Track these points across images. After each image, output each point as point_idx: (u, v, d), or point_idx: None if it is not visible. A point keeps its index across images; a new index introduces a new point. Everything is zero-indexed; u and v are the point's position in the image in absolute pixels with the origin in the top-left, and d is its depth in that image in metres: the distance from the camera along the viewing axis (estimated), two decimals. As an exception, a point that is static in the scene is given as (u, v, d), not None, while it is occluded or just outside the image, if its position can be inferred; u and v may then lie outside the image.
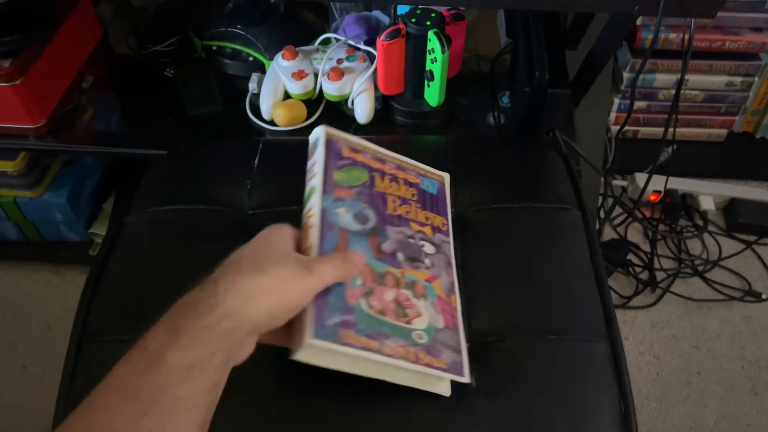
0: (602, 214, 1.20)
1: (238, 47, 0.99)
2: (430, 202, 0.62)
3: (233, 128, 0.93)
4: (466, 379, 0.53)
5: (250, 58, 0.98)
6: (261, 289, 0.43)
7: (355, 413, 0.55)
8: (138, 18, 1.12)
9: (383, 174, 0.60)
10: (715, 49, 1.19)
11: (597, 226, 1.17)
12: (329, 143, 0.58)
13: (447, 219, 0.63)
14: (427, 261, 0.57)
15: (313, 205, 0.54)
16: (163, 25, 1.07)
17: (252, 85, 0.94)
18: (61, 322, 1.15)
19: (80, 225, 1.12)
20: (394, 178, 0.60)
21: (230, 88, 0.99)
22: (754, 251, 1.24)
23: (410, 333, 0.51)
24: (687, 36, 1.11)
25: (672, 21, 1.17)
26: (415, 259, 0.56)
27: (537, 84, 0.80)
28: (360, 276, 0.51)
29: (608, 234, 1.26)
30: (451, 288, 0.58)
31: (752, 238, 1.25)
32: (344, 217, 0.54)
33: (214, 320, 0.40)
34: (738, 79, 1.24)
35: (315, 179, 0.55)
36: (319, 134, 0.59)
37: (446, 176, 0.67)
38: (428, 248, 0.58)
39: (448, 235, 0.62)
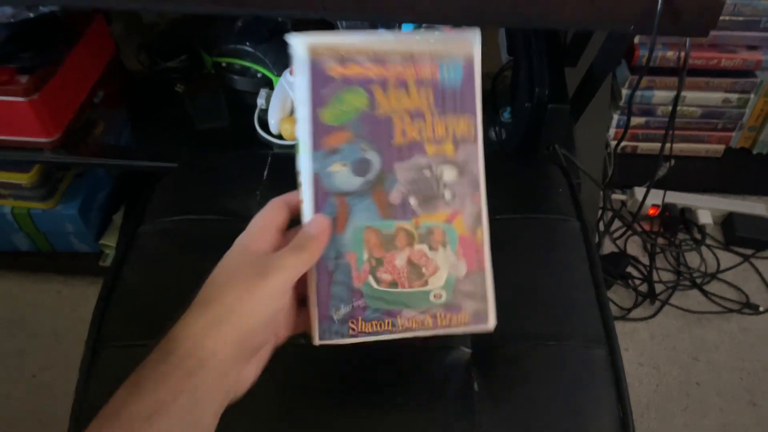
0: (602, 227, 1.22)
1: (246, 64, 1.02)
2: (452, 99, 0.48)
3: (242, 142, 0.96)
4: (490, 326, 0.50)
5: (258, 75, 1.01)
6: (211, 321, 0.40)
7: (358, 416, 0.57)
8: (148, 35, 1.15)
9: (386, 84, 0.47)
10: (712, 67, 1.22)
11: (597, 239, 1.19)
12: (314, 65, 0.45)
13: (475, 115, 0.49)
14: (447, 194, 0.48)
15: (301, 169, 0.46)
16: (173, 42, 1.10)
17: (260, 101, 0.97)
18: (69, 332, 1.17)
19: (90, 236, 1.14)
20: (402, 83, 0.47)
21: (239, 103, 1.01)
22: (752, 264, 1.26)
23: (428, 295, 0.48)
24: (683, 54, 1.14)
25: (669, 39, 1.20)
26: (431, 197, 0.48)
27: (537, 100, 0.82)
28: (366, 247, 0.47)
29: (608, 247, 1.28)
30: (476, 219, 0.49)
31: (750, 251, 1.27)
32: (340, 175, 0.46)
33: (172, 365, 0.38)
34: (734, 96, 1.26)
35: (301, 126, 0.46)
36: (299, 53, 0.45)
37: (474, 38, 0.48)
38: (449, 175, 0.48)
39: (475, 142, 0.49)
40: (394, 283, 0.48)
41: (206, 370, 0.39)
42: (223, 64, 1.03)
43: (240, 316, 0.41)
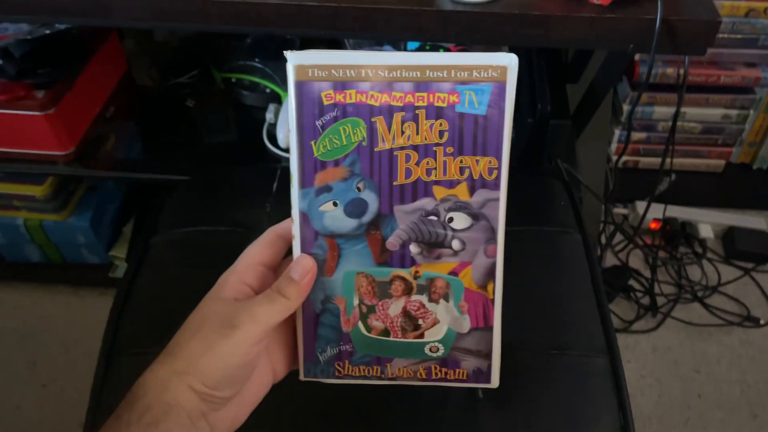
0: (604, 240, 1.24)
1: (255, 80, 1.04)
2: (472, 135, 0.41)
3: (251, 156, 0.98)
4: (492, 385, 0.46)
5: (267, 90, 1.04)
6: (172, 373, 0.39)
7: (361, 423, 0.58)
8: (160, 52, 1.18)
9: (391, 112, 0.40)
10: (711, 84, 1.24)
11: (598, 252, 1.21)
12: (302, 89, 0.40)
13: (500, 155, 0.41)
14: (456, 243, 0.43)
15: (291, 203, 0.43)
16: (184, 59, 1.12)
17: (269, 116, 0.99)
18: (79, 343, 1.18)
19: (101, 248, 1.16)
20: (410, 113, 0.40)
21: (248, 118, 1.04)
22: (752, 278, 1.27)
23: (422, 348, 0.45)
24: (682, 71, 1.16)
25: (669, 57, 1.22)
26: (436, 245, 0.43)
27: (539, 115, 0.85)
28: (357, 294, 0.44)
29: (610, 260, 1.30)
30: (488, 273, 0.44)
31: (750, 265, 1.29)
32: (331, 215, 0.42)
33: (134, 416, 0.38)
34: (734, 112, 1.28)
35: (291, 157, 0.41)
36: (288, 74, 0.40)
37: (510, 62, 0.39)
38: (459, 222, 0.43)
39: (497, 187, 0.42)
40: (386, 332, 0.44)
41: (171, 420, 0.38)
42: (233, 80, 1.06)
43: (201, 371, 0.39)
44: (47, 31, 0.93)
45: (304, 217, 0.42)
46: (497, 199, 0.42)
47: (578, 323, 0.67)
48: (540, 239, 0.75)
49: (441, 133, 0.41)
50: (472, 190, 0.42)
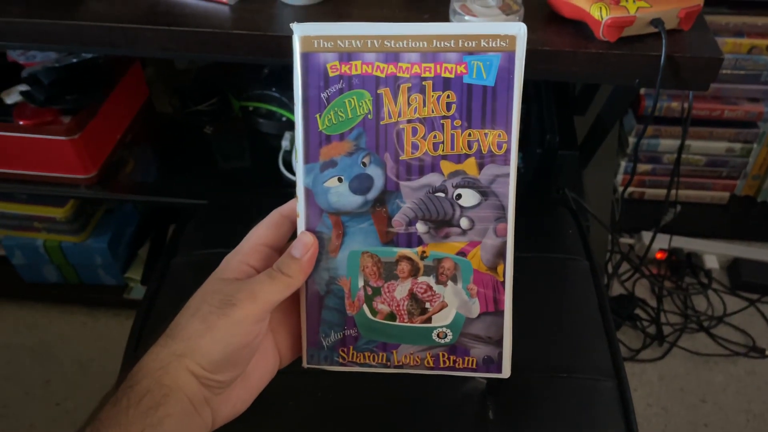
0: (610, 270, 1.26)
1: (272, 108, 1.07)
2: (480, 106, 0.39)
3: (267, 181, 1.01)
4: (504, 374, 0.45)
5: (284, 119, 1.07)
6: (172, 355, 0.38)
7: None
8: (180, 80, 1.21)
9: (397, 84, 0.39)
10: (715, 118, 1.26)
11: (605, 281, 1.23)
12: (307, 61, 0.39)
13: (509, 127, 0.40)
14: (464, 221, 0.41)
15: (297, 181, 0.42)
16: (203, 87, 1.16)
17: (285, 143, 1.02)
18: (93, 362, 1.20)
19: (117, 269, 1.19)
20: (417, 85, 0.39)
21: (264, 145, 1.07)
22: (758, 309, 1.28)
23: (430, 333, 0.43)
24: (686, 105, 1.19)
25: (673, 91, 1.25)
26: (444, 223, 0.42)
27: (548, 146, 0.87)
28: (362, 274, 0.42)
29: (616, 289, 1.31)
30: (499, 253, 0.42)
31: (755, 296, 1.30)
32: (336, 191, 0.41)
33: (133, 400, 0.36)
34: (738, 146, 1.31)
35: (295, 132, 0.41)
36: (294, 44, 0.39)
37: (519, 30, 0.38)
38: (468, 199, 0.41)
39: (506, 162, 0.40)
40: (392, 316, 0.43)
41: (171, 404, 0.37)
42: (250, 108, 1.09)
43: (200, 352, 0.38)
44: (74, 60, 0.97)
45: (309, 194, 0.41)
46: (507, 175, 0.40)
47: (586, 347, 0.68)
48: (548, 265, 0.77)
49: (448, 105, 0.39)
50: (480, 166, 0.40)
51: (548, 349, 0.67)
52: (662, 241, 1.27)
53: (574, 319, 0.71)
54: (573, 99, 1.05)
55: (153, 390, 0.37)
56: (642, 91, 1.27)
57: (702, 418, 1.12)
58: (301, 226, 0.42)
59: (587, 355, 0.67)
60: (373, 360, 0.44)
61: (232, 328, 0.38)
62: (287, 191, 0.89)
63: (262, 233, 0.44)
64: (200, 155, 1.07)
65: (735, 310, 1.28)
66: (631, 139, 1.31)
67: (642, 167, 1.35)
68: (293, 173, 0.98)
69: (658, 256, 1.34)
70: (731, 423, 1.12)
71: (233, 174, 1.04)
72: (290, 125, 1.06)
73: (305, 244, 0.41)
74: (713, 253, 1.34)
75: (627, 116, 1.33)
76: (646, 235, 1.33)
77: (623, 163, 1.36)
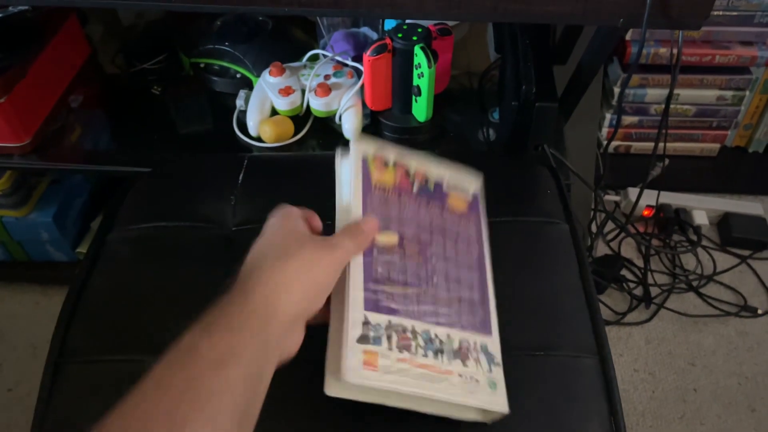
0: (594, 229, 1.19)
1: (225, 64, 0.98)
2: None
3: (220, 145, 0.93)
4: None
5: (238, 75, 0.98)
6: (289, 276, 0.44)
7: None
8: (127, 37, 1.12)
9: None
10: (706, 63, 1.19)
11: (589, 241, 1.17)
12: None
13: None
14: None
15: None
16: (150, 43, 1.06)
17: (239, 102, 0.94)
18: (47, 344, 1.12)
19: (67, 245, 1.11)
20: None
21: (217, 105, 0.98)
22: (749, 266, 1.23)
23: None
24: (675, 50, 1.11)
25: (661, 35, 1.17)
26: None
27: (524, 98, 0.79)
28: None
29: (601, 249, 1.25)
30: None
31: (746, 252, 1.24)
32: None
33: (245, 314, 0.41)
34: (729, 93, 1.24)
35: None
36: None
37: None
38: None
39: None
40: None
41: (275, 325, 0.42)
42: (202, 65, 1.00)
43: (306, 281, 0.45)
44: (0, 14, 0.87)
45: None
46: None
47: (566, 321, 0.62)
48: (525, 230, 0.70)
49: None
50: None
51: (524, 324, 0.61)
52: (649, 198, 1.21)
53: (553, 289, 0.65)
54: (552, 47, 0.97)
55: (264, 310, 0.42)
56: (628, 36, 1.19)
57: (691, 382, 1.07)
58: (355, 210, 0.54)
59: (567, 331, 0.61)
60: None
61: (329, 268, 0.47)
62: (242, 155, 0.81)
63: (294, 212, 0.52)
64: (148, 118, 0.98)
65: (725, 267, 1.22)
66: (617, 90, 1.24)
67: (628, 119, 1.28)
68: (248, 135, 0.90)
69: (645, 213, 1.27)
70: (722, 387, 1.07)
71: (185, 138, 0.95)
72: (245, 83, 0.97)
73: (367, 221, 0.52)
74: (702, 209, 1.28)
75: (612, 65, 1.26)
76: (633, 192, 1.27)
77: (608, 116, 1.28)
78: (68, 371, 0.61)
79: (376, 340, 0.48)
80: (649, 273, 1.20)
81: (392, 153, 0.57)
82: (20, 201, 1.04)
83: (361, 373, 0.47)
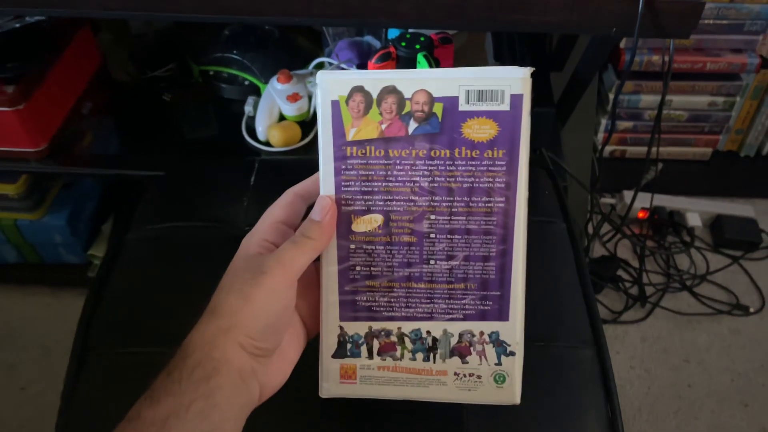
0: (591, 231, 1.23)
1: (234, 72, 1.02)
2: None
3: (230, 150, 0.96)
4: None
5: (246, 83, 1.01)
6: (218, 330, 0.40)
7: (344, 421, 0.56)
8: (136, 45, 1.15)
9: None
10: (697, 70, 1.23)
11: (586, 243, 1.20)
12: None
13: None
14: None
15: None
16: (160, 52, 1.10)
17: (248, 108, 0.97)
18: (58, 344, 1.16)
19: (79, 247, 1.14)
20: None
21: (226, 111, 1.01)
22: (741, 266, 1.26)
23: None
24: (666, 58, 1.15)
25: (654, 43, 1.21)
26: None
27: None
28: None
29: (598, 251, 1.29)
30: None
31: (738, 253, 1.28)
32: None
33: (185, 372, 0.39)
34: (720, 99, 1.27)
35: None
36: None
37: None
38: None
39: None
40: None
41: (222, 376, 0.39)
42: (211, 73, 1.03)
43: (243, 323, 0.40)
44: (17, 25, 0.91)
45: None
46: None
47: (563, 314, 0.65)
48: (524, 229, 0.73)
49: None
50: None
51: (525, 317, 0.64)
52: (644, 200, 1.24)
53: (552, 284, 0.68)
54: (549, 54, 1.00)
55: (204, 362, 0.39)
56: (622, 44, 1.23)
57: (686, 378, 1.11)
58: (321, 191, 0.44)
59: (565, 323, 0.64)
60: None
61: (269, 295, 0.41)
62: (251, 159, 0.85)
63: (276, 212, 0.46)
64: (160, 124, 1.01)
65: (718, 267, 1.26)
66: (611, 96, 1.27)
67: (623, 125, 1.32)
68: (257, 140, 0.93)
69: (640, 215, 1.31)
70: (715, 383, 1.10)
71: (195, 143, 0.98)
72: (253, 89, 1.01)
73: (323, 206, 0.44)
74: (695, 211, 1.31)
75: (606, 72, 1.29)
76: (628, 195, 1.30)
77: (603, 121, 1.32)
78: (91, 363, 0.64)
79: (354, 352, 0.46)
80: (644, 273, 1.24)
81: (377, 84, 0.42)
82: (34, 205, 1.07)
83: (338, 387, 0.46)
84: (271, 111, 0.93)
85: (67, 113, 0.98)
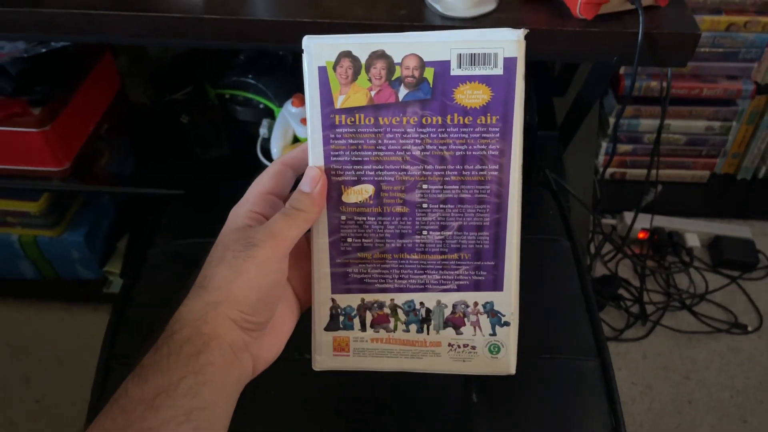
0: (593, 250, 1.26)
1: (249, 95, 1.06)
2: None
3: (245, 170, 0.99)
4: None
5: (261, 105, 1.05)
6: (207, 305, 0.39)
7: (355, 426, 0.59)
8: (154, 69, 1.19)
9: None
10: (694, 96, 1.27)
11: (588, 262, 1.23)
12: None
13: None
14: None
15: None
16: (178, 75, 1.14)
17: (263, 130, 1.01)
18: (72, 358, 1.18)
19: (95, 263, 1.17)
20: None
21: (242, 133, 1.05)
22: (739, 285, 1.29)
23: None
24: (665, 84, 1.19)
25: (653, 70, 1.25)
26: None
27: (527, 126, 0.86)
28: None
29: (599, 270, 1.32)
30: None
31: (736, 273, 1.31)
32: None
33: (174, 348, 0.37)
34: (717, 124, 1.31)
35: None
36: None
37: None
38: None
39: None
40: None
41: (212, 351, 0.38)
42: (227, 96, 1.07)
43: (234, 297, 0.39)
44: (43, 49, 0.95)
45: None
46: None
47: (568, 327, 0.68)
48: (530, 247, 0.75)
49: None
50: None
51: (531, 330, 0.66)
52: (644, 221, 1.28)
53: (557, 299, 0.71)
54: (552, 79, 1.04)
55: (193, 338, 0.38)
56: (621, 70, 1.27)
57: (686, 395, 1.13)
58: (310, 162, 0.43)
59: (570, 336, 0.67)
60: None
61: (260, 269, 0.39)
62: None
63: (265, 182, 0.45)
64: (177, 145, 1.05)
65: (717, 287, 1.29)
66: (612, 120, 1.31)
67: (623, 148, 1.35)
68: (271, 161, 0.97)
69: (640, 235, 1.34)
70: (715, 399, 1.12)
71: (210, 163, 1.02)
72: (268, 113, 1.05)
73: (313, 177, 0.42)
74: (694, 232, 1.35)
75: (607, 97, 1.33)
76: (628, 216, 1.34)
77: (604, 144, 1.36)
78: (117, 371, 0.67)
79: (347, 324, 0.45)
80: (644, 292, 1.27)
81: (365, 49, 0.41)
82: (55, 222, 1.10)
83: (331, 360, 0.46)
84: (285, 133, 0.97)
85: (89, 134, 1.02)
